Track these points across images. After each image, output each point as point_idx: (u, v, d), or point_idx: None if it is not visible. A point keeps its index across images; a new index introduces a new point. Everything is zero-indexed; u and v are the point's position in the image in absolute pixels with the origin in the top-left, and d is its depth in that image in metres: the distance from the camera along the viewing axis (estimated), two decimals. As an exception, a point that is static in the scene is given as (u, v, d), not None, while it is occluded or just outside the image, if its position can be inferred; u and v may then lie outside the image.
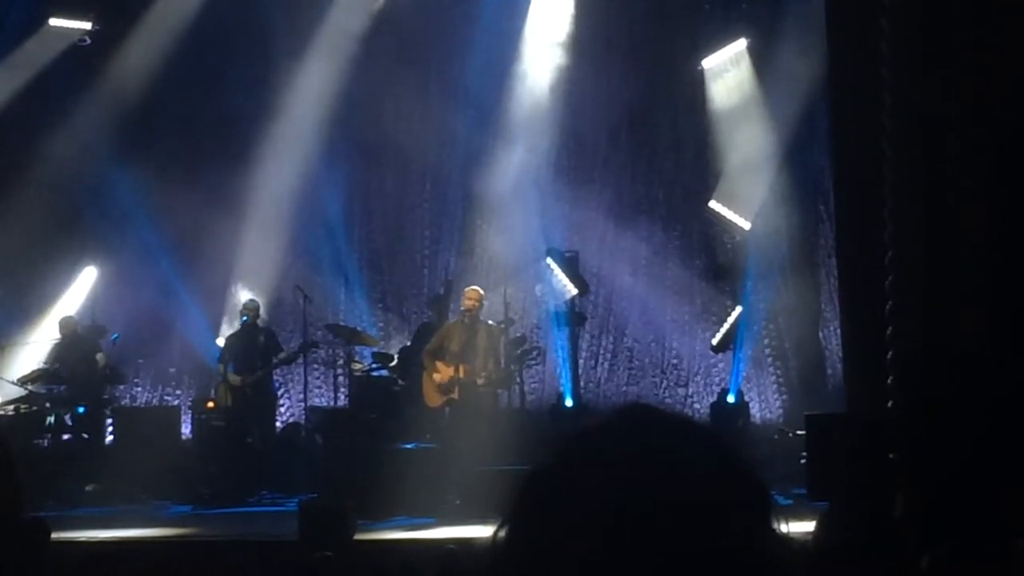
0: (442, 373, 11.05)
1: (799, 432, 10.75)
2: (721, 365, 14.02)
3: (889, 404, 6.43)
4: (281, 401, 13.81)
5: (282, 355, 12.69)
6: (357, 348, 13.11)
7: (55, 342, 12.87)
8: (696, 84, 14.27)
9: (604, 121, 14.15)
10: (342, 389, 13.52)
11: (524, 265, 13.71)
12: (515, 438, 9.58)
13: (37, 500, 9.90)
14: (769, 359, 14.09)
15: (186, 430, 13.22)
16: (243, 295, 13.42)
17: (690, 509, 1.21)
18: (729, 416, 12.93)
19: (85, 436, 12.30)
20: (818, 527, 3.73)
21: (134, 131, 13.95)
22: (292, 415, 14.11)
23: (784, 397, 14.03)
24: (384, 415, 11.71)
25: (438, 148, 14.20)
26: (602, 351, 14.44)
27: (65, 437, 12.16)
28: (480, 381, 10.89)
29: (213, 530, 10.01)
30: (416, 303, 14.57)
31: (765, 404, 14.07)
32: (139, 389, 14.48)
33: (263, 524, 10.34)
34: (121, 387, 13.71)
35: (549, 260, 13.45)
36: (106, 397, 12.97)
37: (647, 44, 14.19)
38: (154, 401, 14.50)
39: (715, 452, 1.28)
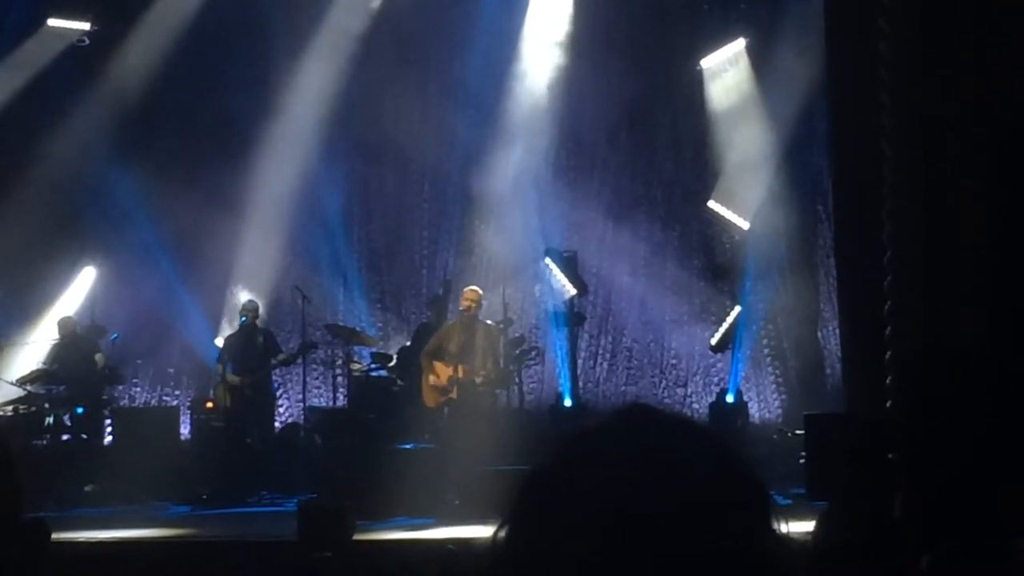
0: (441, 373, 11.04)
1: (798, 432, 10.76)
2: (720, 365, 14.02)
3: (888, 404, 6.42)
4: (280, 401, 13.82)
5: (281, 356, 12.69)
6: (356, 348, 13.11)
7: (54, 342, 12.88)
8: (695, 84, 14.28)
9: (603, 121, 14.16)
10: (341, 389, 13.51)
11: (523, 265, 13.71)
12: (514, 438, 9.57)
13: (36, 501, 9.89)
14: (768, 359, 14.10)
15: (185, 430, 13.22)
16: (242, 295, 13.43)
17: (689, 509, 1.21)
18: (728, 416, 12.94)
19: (84, 437, 12.29)
20: (817, 527, 3.73)
21: (134, 131, 13.95)
22: (291, 415, 14.11)
23: (783, 397, 14.04)
24: (383, 415, 11.71)
25: (437, 148, 14.20)
26: (601, 351, 14.44)
27: (64, 438, 12.15)
28: (478, 380, 10.89)
29: (212, 531, 10.01)
30: (415, 303, 14.58)
31: (764, 404, 14.07)
32: (138, 389, 14.48)
33: (262, 524, 10.34)
34: (120, 387, 13.71)
35: (548, 260, 13.45)
36: (105, 397, 12.97)
37: (646, 44, 14.20)
38: (153, 401, 14.50)
39: (714, 452, 1.27)
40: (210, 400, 12.75)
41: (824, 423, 9.49)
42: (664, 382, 14.43)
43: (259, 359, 12.44)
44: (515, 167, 13.73)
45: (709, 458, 1.27)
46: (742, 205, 13.74)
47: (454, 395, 10.97)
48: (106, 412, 12.96)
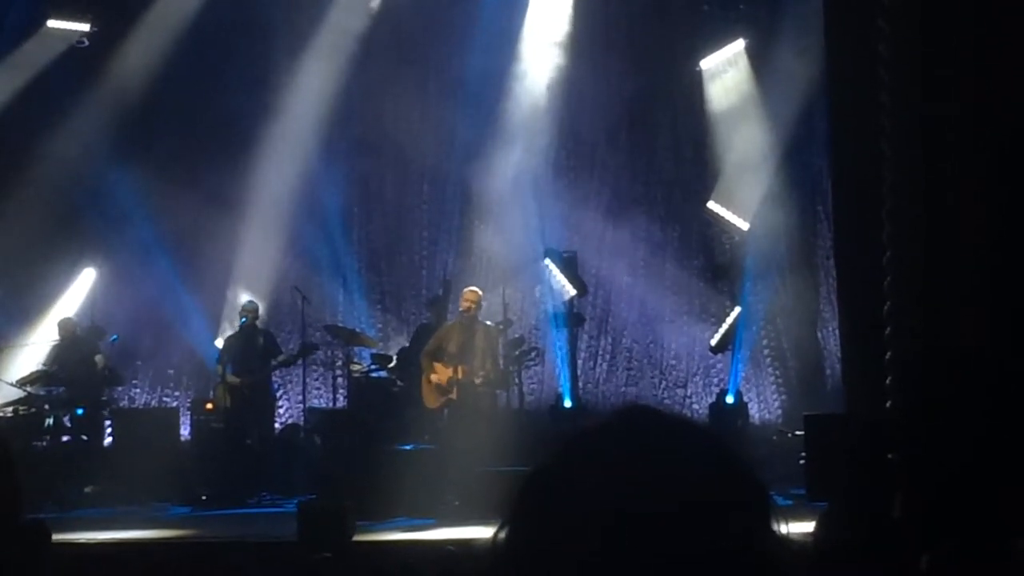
0: (441, 374, 11.04)
1: (798, 432, 10.76)
2: (720, 366, 14.02)
3: (888, 404, 6.42)
4: (280, 402, 13.81)
5: (281, 357, 12.69)
6: (356, 349, 13.12)
7: (54, 344, 12.87)
8: (695, 84, 14.28)
9: (603, 121, 14.16)
10: (341, 390, 13.51)
11: (523, 266, 13.71)
12: (514, 439, 9.57)
13: (36, 502, 9.90)
14: (768, 359, 14.10)
15: (185, 431, 13.21)
16: (242, 296, 13.42)
17: (689, 510, 1.21)
18: (728, 416, 12.94)
19: (84, 438, 12.29)
20: (817, 527, 3.73)
21: (134, 131, 13.95)
22: (291, 416, 14.10)
23: (783, 397, 14.04)
24: (383, 416, 11.71)
25: (437, 148, 14.20)
26: (601, 351, 14.44)
27: (64, 439, 12.15)
28: (478, 381, 10.88)
29: (212, 531, 10.01)
30: (415, 304, 14.57)
31: (764, 404, 14.07)
32: (138, 390, 14.48)
33: (262, 525, 10.33)
34: (120, 388, 13.72)
35: (547, 260, 13.45)
36: (105, 399, 12.97)
37: (646, 44, 14.20)
38: (153, 403, 14.50)
39: (714, 453, 1.27)
40: (210, 401, 12.75)
41: (824, 423, 9.49)
42: (664, 383, 14.43)
43: (259, 360, 12.44)
44: (515, 167, 13.73)
45: (709, 458, 1.27)
46: (742, 205, 13.74)
47: (454, 396, 10.97)
48: (106, 413, 12.96)
